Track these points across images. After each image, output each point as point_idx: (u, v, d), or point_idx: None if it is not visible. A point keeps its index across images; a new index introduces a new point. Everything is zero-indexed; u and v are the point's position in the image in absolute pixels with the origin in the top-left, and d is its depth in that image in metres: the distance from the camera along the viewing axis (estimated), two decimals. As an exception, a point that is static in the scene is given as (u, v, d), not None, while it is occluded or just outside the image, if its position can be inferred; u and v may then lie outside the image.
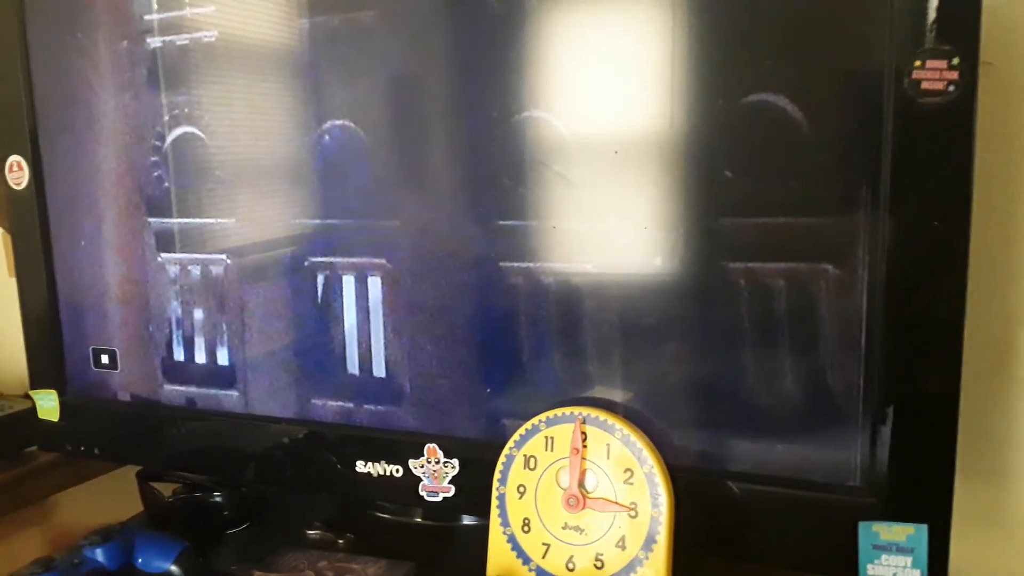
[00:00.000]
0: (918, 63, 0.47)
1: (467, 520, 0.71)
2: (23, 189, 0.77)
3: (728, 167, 0.53)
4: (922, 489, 0.51)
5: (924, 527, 0.51)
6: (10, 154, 0.76)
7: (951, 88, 0.47)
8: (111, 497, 0.87)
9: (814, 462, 0.54)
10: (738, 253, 0.54)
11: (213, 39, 0.67)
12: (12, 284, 0.80)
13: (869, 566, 0.52)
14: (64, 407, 0.79)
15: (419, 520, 0.73)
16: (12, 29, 0.75)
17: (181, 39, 0.69)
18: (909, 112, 0.48)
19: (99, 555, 0.62)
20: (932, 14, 0.47)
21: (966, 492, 0.52)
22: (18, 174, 0.77)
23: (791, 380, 0.54)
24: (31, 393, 0.81)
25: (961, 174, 0.48)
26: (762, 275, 0.53)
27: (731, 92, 0.52)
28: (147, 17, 0.70)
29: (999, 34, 0.62)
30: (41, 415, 0.80)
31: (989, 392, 0.66)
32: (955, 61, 0.47)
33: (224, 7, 0.66)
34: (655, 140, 0.55)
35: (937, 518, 0.51)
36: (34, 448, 0.91)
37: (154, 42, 0.70)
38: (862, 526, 0.52)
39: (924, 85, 0.48)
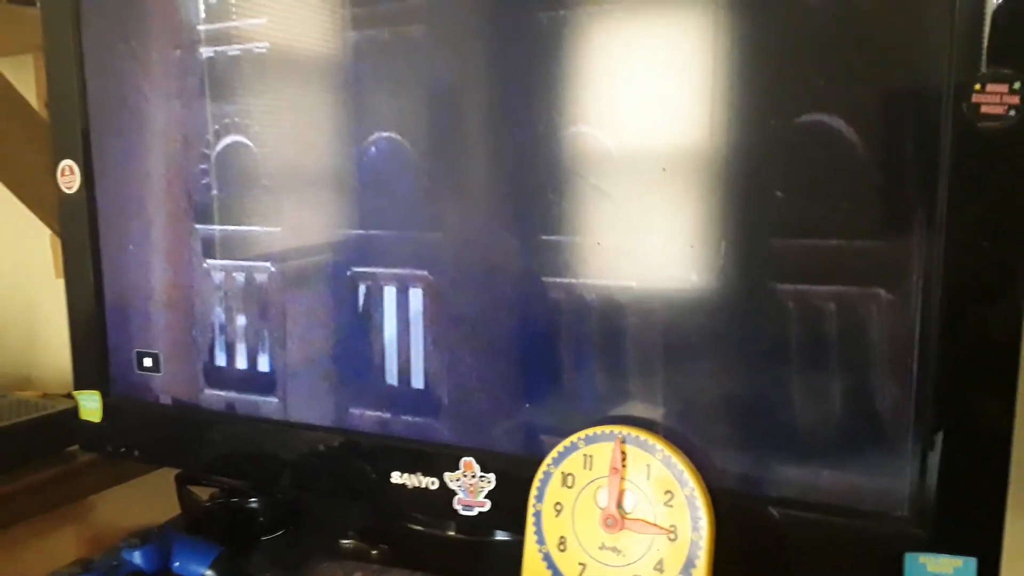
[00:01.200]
0: (978, 86, 0.46)
1: (501, 536, 0.70)
2: (74, 193, 0.78)
3: (779, 187, 0.52)
4: (972, 521, 0.49)
5: (973, 560, 0.49)
6: (63, 158, 0.78)
7: (1012, 112, 0.46)
8: (150, 498, 0.88)
9: (861, 490, 0.53)
10: (787, 274, 0.53)
11: (264, 50, 0.68)
12: (59, 285, 0.81)
13: (915, 599, 0.51)
14: (106, 408, 0.80)
15: (453, 534, 0.72)
16: (68, 35, 0.76)
17: (232, 50, 0.70)
18: (967, 136, 0.47)
19: (137, 557, 0.63)
20: (993, 36, 0.46)
21: (1017, 524, 0.50)
22: (70, 178, 0.78)
23: (839, 405, 0.53)
24: (75, 394, 0.82)
25: (1020, 199, 0.47)
26: (812, 297, 0.53)
27: (784, 111, 0.52)
28: (200, 27, 0.71)
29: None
30: (83, 415, 0.81)
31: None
32: (1016, 85, 0.46)
33: (275, 19, 0.67)
34: (704, 158, 0.54)
35: (987, 551, 0.49)
36: (75, 448, 0.92)
37: (206, 52, 0.71)
38: (908, 557, 0.51)
39: (984, 109, 0.47)
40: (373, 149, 0.65)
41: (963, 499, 0.49)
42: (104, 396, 0.80)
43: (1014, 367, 0.48)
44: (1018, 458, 0.48)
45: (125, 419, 0.80)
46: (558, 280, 0.60)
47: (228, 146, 0.71)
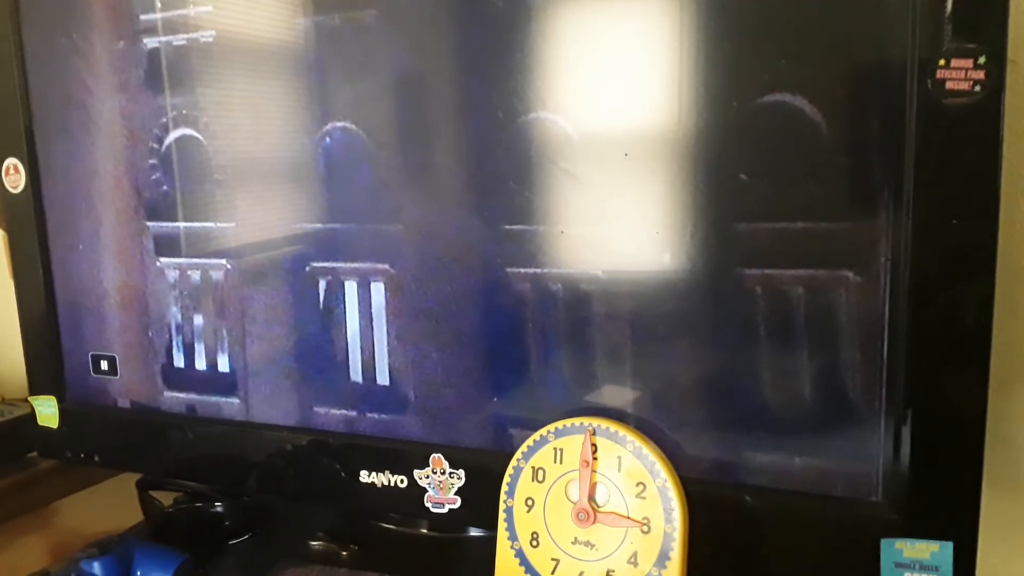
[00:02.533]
0: (942, 62, 0.45)
1: (473, 532, 0.69)
2: (20, 192, 0.75)
3: (743, 170, 0.51)
4: (947, 505, 0.49)
5: (949, 544, 0.49)
6: (6, 157, 0.75)
7: (977, 88, 0.45)
8: (112, 504, 0.85)
9: (834, 476, 0.52)
10: (754, 259, 0.52)
11: (211, 39, 0.66)
12: (12, 286, 0.78)
13: (891, 584, 0.50)
14: (63, 413, 0.78)
15: (424, 531, 0.71)
16: (7, 30, 0.73)
17: (178, 39, 0.67)
18: (933, 113, 0.46)
19: (96, 568, 0.61)
20: (957, 10, 0.45)
21: (990, 506, 0.50)
22: (14, 177, 0.75)
23: (810, 391, 0.52)
24: (30, 399, 0.79)
25: (987, 177, 0.46)
26: (779, 282, 0.51)
27: (746, 92, 0.50)
28: (143, 17, 0.68)
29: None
30: (40, 421, 0.79)
31: (1013, 401, 0.63)
32: (981, 60, 0.45)
33: (222, 6, 0.65)
34: (667, 142, 0.53)
35: (963, 535, 0.49)
36: (35, 454, 0.90)
37: (151, 42, 0.68)
38: (884, 543, 0.50)
39: (949, 85, 0.45)
40: (328, 140, 0.63)
41: (937, 483, 0.49)
42: (60, 401, 0.78)
43: (985, 347, 0.47)
44: (991, 440, 0.48)
45: (83, 424, 0.77)
46: (523, 270, 0.58)
47: (177, 140, 0.68)
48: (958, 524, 0.49)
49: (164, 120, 0.69)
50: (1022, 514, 0.65)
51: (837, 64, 0.49)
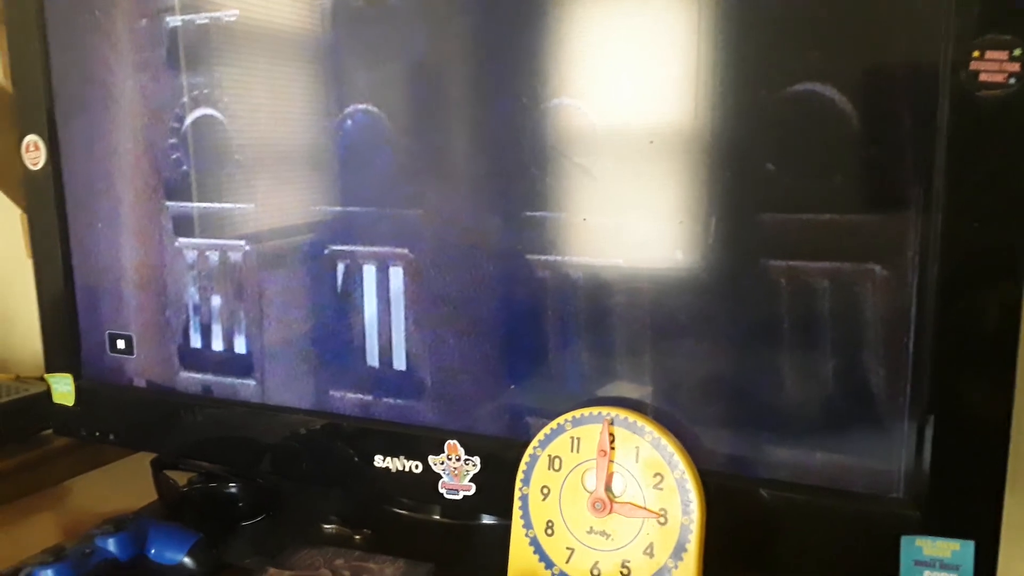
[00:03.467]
0: (976, 53, 0.45)
1: (487, 519, 0.69)
2: (39, 169, 0.75)
3: (770, 160, 0.50)
4: (969, 503, 0.48)
5: (971, 543, 0.48)
6: (27, 134, 0.75)
7: (1012, 80, 0.44)
8: (126, 483, 0.85)
9: (855, 472, 0.51)
10: (779, 250, 0.51)
11: (234, 19, 0.65)
12: (30, 265, 0.78)
13: (910, 582, 0.50)
14: (79, 391, 0.78)
15: (437, 518, 0.71)
16: (31, 7, 0.73)
17: (201, 18, 0.67)
18: (966, 105, 0.45)
19: (111, 545, 0.61)
20: (993, 1, 0.44)
21: (1013, 506, 0.49)
22: (35, 154, 0.75)
23: (832, 385, 0.51)
24: (46, 376, 0.80)
25: (1020, 172, 0.45)
26: (804, 274, 0.51)
27: (775, 81, 0.50)
28: (167, -5, 0.68)
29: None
30: (56, 399, 0.79)
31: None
32: (1017, 52, 0.44)
33: (246, -15, 0.64)
34: (693, 130, 0.52)
35: (985, 534, 0.48)
36: (49, 431, 0.90)
37: (173, 21, 0.68)
38: (904, 540, 0.50)
39: (983, 77, 0.45)
40: (349, 122, 0.62)
41: (960, 481, 0.48)
42: (76, 379, 0.78)
43: (1013, 345, 0.46)
44: (1016, 439, 0.47)
45: (99, 402, 0.78)
46: (543, 258, 0.58)
47: (198, 120, 0.68)
48: (980, 523, 0.48)
49: (185, 100, 0.68)
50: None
51: (869, 54, 0.48)
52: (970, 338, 0.47)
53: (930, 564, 0.49)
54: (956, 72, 0.45)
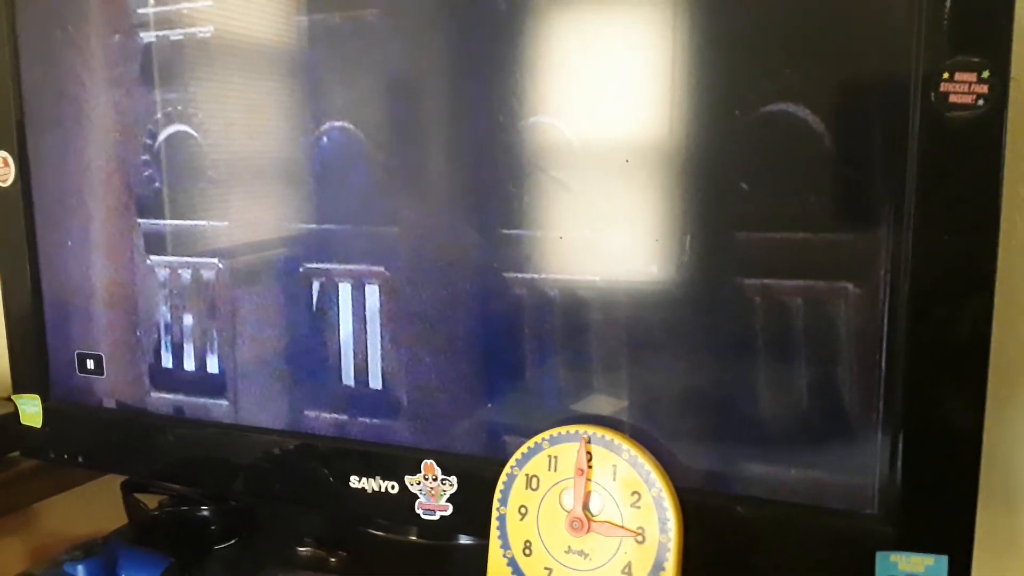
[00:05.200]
0: (946, 75, 0.45)
1: (464, 540, 0.68)
2: (8, 186, 0.74)
3: (744, 179, 0.51)
4: (943, 518, 0.49)
5: (944, 558, 0.49)
6: (-4, 150, 0.74)
7: (980, 102, 0.45)
8: (96, 506, 0.84)
9: (830, 488, 0.52)
10: (754, 269, 0.52)
11: (208, 35, 0.65)
12: (-3, 282, 0.77)
13: (885, 597, 0.50)
14: (47, 413, 0.77)
15: (414, 539, 0.70)
16: (0, 21, 0.72)
17: (175, 34, 0.66)
18: (936, 126, 0.46)
19: (80, 572, 0.60)
20: (962, 24, 0.45)
21: (985, 521, 0.50)
22: (4, 171, 0.74)
23: (806, 402, 0.52)
24: (14, 398, 0.78)
25: (989, 192, 0.46)
26: (778, 292, 0.51)
27: (749, 101, 0.50)
28: (140, 11, 0.67)
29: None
30: (24, 420, 0.78)
31: (1009, 416, 0.64)
32: (985, 74, 0.45)
33: (221, 1, 0.64)
34: (668, 149, 0.53)
35: (958, 549, 0.48)
36: (16, 454, 0.88)
37: (147, 37, 0.67)
38: (879, 556, 0.50)
39: (952, 98, 0.45)
40: (325, 139, 0.62)
41: (933, 496, 0.49)
42: (44, 400, 0.77)
43: (983, 362, 0.47)
44: (988, 454, 0.48)
45: (67, 424, 0.76)
46: (520, 275, 0.58)
47: (171, 136, 0.68)
48: (953, 538, 0.49)
49: (158, 116, 0.68)
50: (1017, 529, 0.65)
51: (841, 75, 0.49)
52: (941, 354, 0.48)
53: (905, 579, 0.50)
54: (926, 93, 0.46)
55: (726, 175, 0.52)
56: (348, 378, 0.64)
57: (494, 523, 0.56)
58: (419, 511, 0.62)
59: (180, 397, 0.71)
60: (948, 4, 0.45)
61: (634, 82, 0.53)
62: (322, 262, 0.64)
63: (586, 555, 0.54)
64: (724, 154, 0.51)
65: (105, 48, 0.69)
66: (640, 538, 0.52)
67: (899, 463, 0.49)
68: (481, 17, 0.56)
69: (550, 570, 0.55)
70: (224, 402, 0.69)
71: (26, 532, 0.82)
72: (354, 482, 0.64)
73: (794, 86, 0.49)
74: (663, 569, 0.52)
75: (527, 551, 0.55)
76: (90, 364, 0.75)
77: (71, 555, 0.61)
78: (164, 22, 0.66)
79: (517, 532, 0.56)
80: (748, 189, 0.51)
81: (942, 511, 0.49)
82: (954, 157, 0.46)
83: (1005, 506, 0.65)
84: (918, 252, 0.47)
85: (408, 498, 0.62)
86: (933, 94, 0.46)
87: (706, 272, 0.53)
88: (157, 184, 0.69)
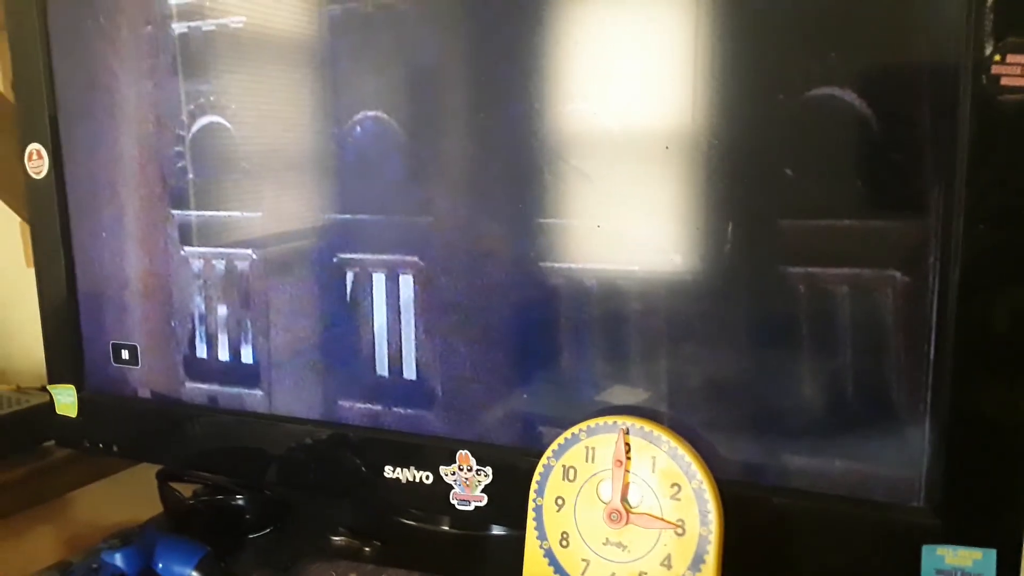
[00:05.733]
0: (998, 57, 0.44)
1: (498, 531, 0.68)
2: (42, 178, 0.74)
3: (789, 165, 0.50)
4: (991, 512, 0.48)
5: (993, 552, 0.48)
6: (30, 142, 0.74)
7: (1035, 84, 0.44)
8: (130, 495, 0.85)
9: (875, 480, 0.51)
10: (798, 257, 0.51)
11: (241, 25, 0.65)
12: (31, 274, 0.78)
13: (931, 591, 0.49)
14: (82, 403, 0.77)
15: (448, 528, 0.70)
16: (32, 13, 0.72)
17: (207, 25, 0.66)
18: (987, 109, 0.45)
19: (118, 560, 0.60)
20: (1014, 4, 0.44)
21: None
22: (37, 163, 0.74)
23: (852, 393, 0.51)
24: (49, 388, 0.79)
25: (1043, 177, 0.44)
26: (823, 281, 0.50)
27: (794, 85, 0.49)
28: (172, 1, 0.67)
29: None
30: (59, 410, 0.78)
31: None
32: (1040, 55, 0.43)
33: (253, -9, 0.64)
34: (710, 135, 0.52)
35: (1007, 542, 0.47)
36: (51, 443, 0.89)
37: (179, 28, 0.67)
38: (926, 549, 0.49)
39: (1004, 81, 0.44)
40: (358, 129, 0.62)
41: (981, 489, 0.48)
42: (79, 390, 0.77)
43: (1035, 351, 0.46)
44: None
45: (102, 414, 0.77)
46: (556, 265, 0.57)
47: (204, 127, 0.67)
48: (1002, 532, 0.47)
49: (191, 107, 0.68)
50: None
51: (889, 58, 0.48)
52: (991, 345, 0.46)
53: (951, 573, 0.49)
54: (977, 76, 0.45)
55: (770, 161, 0.50)
56: (382, 368, 0.64)
57: (530, 514, 0.56)
58: (454, 501, 0.61)
59: (214, 387, 0.71)
60: (1000, -16, 0.44)
61: (674, 66, 0.52)
62: (356, 252, 0.64)
63: (624, 547, 0.53)
64: (768, 140, 0.50)
65: (137, 39, 0.69)
66: (680, 530, 0.52)
67: (946, 455, 0.48)
68: (513, 1, 0.55)
69: (587, 562, 0.54)
70: (258, 392, 0.69)
71: (62, 521, 0.83)
72: (388, 472, 0.63)
73: (840, 69, 0.48)
74: (704, 562, 0.51)
75: (564, 542, 0.55)
76: (125, 354, 0.75)
77: (108, 543, 0.61)
78: (196, 13, 0.66)
79: (554, 523, 0.55)
80: (792, 175, 0.50)
81: (990, 504, 0.47)
82: (1006, 141, 0.45)
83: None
84: (968, 240, 0.46)
85: (443, 488, 0.62)
86: (984, 77, 0.44)
87: (749, 261, 0.52)
88: (190, 175, 0.69)
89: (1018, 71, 0.44)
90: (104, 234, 0.74)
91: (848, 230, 0.49)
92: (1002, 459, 0.47)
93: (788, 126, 0.50)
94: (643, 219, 0.54)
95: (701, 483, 0.51)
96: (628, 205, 0.54)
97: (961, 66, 0.45)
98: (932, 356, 0.48)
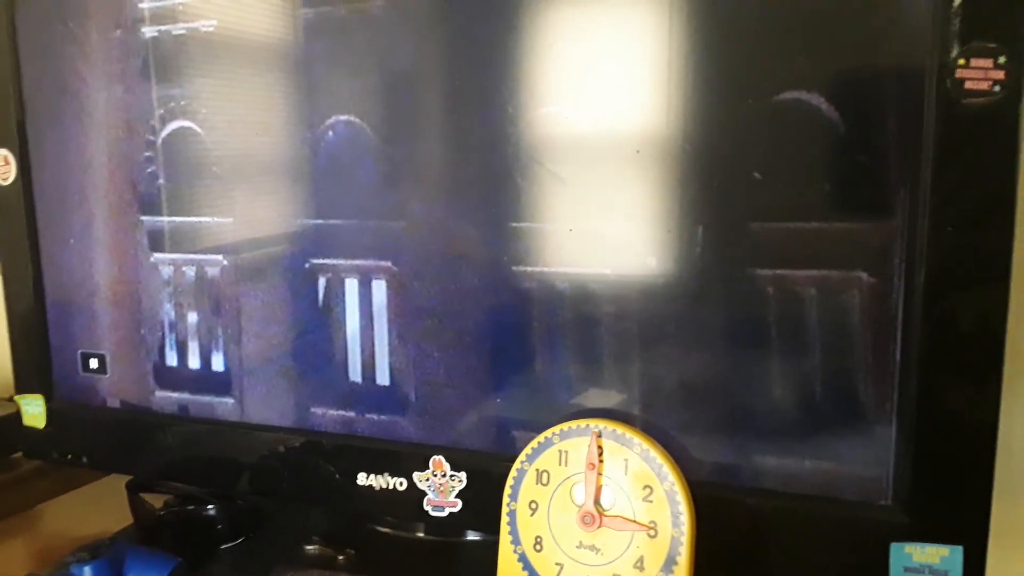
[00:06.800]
0: (962, 61, 0.45)
1: (473, 536, 0.68)
2: (10, 184, 0.73)
3: (758, 169, 0.51)
4: (958, 509, 0.48)
5: (959, 548, 0.48)
6: (-3, 148, 0.73)
7: (996, 88, 0.45)
8: (100, 506, 0.83)
9: (844, 479, 0.51)
10: (767, 259, 0.51)
11: (211, 29, 0.64)
12: (-2, 282, 0.77)
13: (900, 589, 0.50)
14: (51, 413, 0.76)
15: (422, 535, 0.70)
16: (0, 16, 0.71)
17: (177, 28, 0.65)
18: (951, 113, 0.46)
19: (87, 573, 0.59)
20: (978, 9, 0.45)
21: (1000, 511, 0.49)
22: (4, 169, 0.73)
23: (820, 393, 0.51)
24: (16, 398, 0.77)
25: (1005, 179, 0.45)
26: (792, 282, 0.51)
27: (762, 89, 0.50)
28: (142, 5, 0.66)
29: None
30: (26, 421, 0.77)
31: (1019, 405, 0.63)
32: (1001, 60, 0.44)
33: (223, -4, 0.64)
34: (680, 139, 0.52)
35: (973, 539, 0.48)
36: (19, 454, 0.87)
37: (149, 32, 0.67)
38: (894, 547, 0.49)
39: (968, 84, 0.45)
40: (331, 133, 0.62)
41: (948, 487, 0.48)
42: (47, 400, 0.76)
43: (999, 352, 0.47)
44: (1003, 444, 0.47)
45: (71, 424, 0.76)
46: (529, 269, 0.57)
47: (174, 132, 0.67)
48: (968, 529, 0.48)
49: (161, 112, 0.67)
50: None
51: (855, 62, 0.48)
52: (957, 344, 0.47)
53: (919, 570, 0.49)
54: (942, 80, 0.45)
55: (739, 165, 0.51)
56: (355, 374, 0.64)
57: (504, 519, 0.56)
58: (428, 508, 0.61)
59: (185, 396, 0.71)
60: (963, -11, 0.45)
61: (645, 70, 0.53)
62: (328, 258, 0.63)
63: (598, 550, 0.53)
64: (737, 143, 0.51)
65: (106, 44, 0.69)
66: (652, 532, 0.52)
67: (913, 454, 0.49)
68: (488, 5, 0.56)
69: (561, 565, 0.54)
70: (230, 400, 0.69)
71: (30, 534, 0.81)
72: (361, 479, 0.63)
73: (808, 73, 0.49)
74: (676, 563, 0.51)
75: (538, 547, 0.55)
76: (93, 363, 0.74)
77: (77, 556, 0.60)
78: (166, 17, 0.66)
79: (528, 527, 0.55)
80: (761, 179, 0.51)
81: (957, 502, 0.48)
82: (970, 144, 0.46)
83: (1021, 496, 0.64)
84: (933, 241, 0.47)
85: (416, 495, 0.61)
86: (949, 80, 0.45)
87: (719, 263, 0.52)
88: (160, 181, 0.68)
89: (981, 75, 0.45)
90: (72, 241, 0.73)
91: (816, 232, 0.50)
92: (968, 457, 0.48)
93: (757, 130, 0.50)
94: (615, 222, 0.55)
95: (673, 485, 0.51)
96: (600, 208, 0.55)
97: (926, 70, 0.46)
98: (899, 356, 0.49)
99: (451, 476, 0.60)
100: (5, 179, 0.73)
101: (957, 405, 0.48)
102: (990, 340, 0.47)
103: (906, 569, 0.49)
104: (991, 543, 0.48)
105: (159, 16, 0.66)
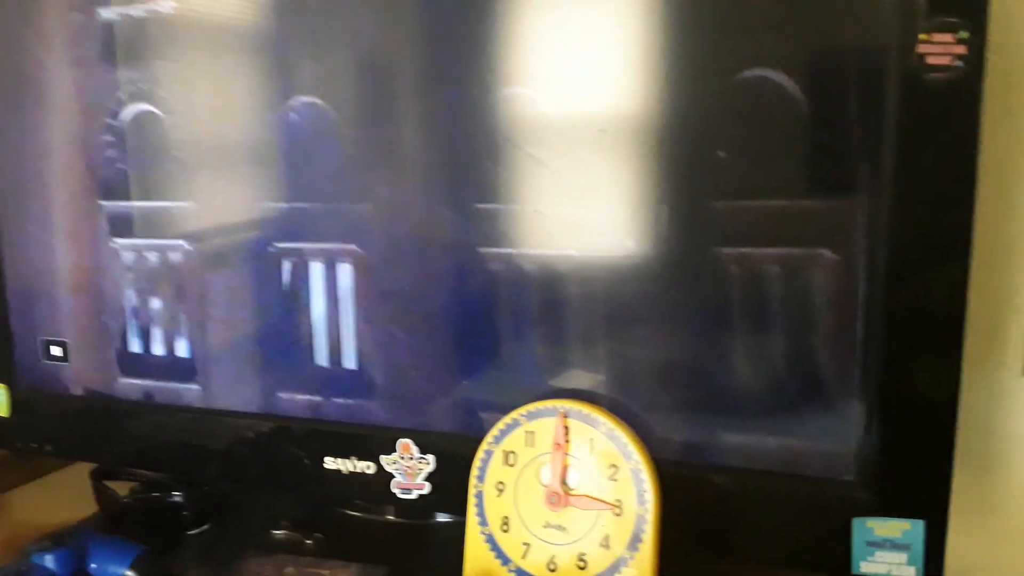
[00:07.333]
0: (923, 36, 0.45)
1: (442, 518, 0.68)
2: (-34, 170, 0.72)
3: (721, 147, 0.50)
4: (919, 484, 0.49)
5: (920, 523, 0.49)
6: (-49, 132, 0.72)
7: (958, 63, 0.45)
8: (65, 495, 0.82)
9: (807, 455, 0.52)
10: (731, 237, 0.51)
11: (172, 10, 0.63)
12: (-44, 271, 0.75)
13: (863, 563, 0.50)
14: (13, 401, 0.75)
15: (391, 518, 0.69)
16: (-48, -1, 0.70)
17: (137, 10, 0.64)
18: (913, 88, 0.46)
19: (48, 562, 0.58)
20: (938, -16, 0.45)
21: (961, 484, 0.50)
22: (-39, 154, 0.72)
23: (784, 370, 0.52)
24: (-23, 387, 0.76)
25: (966, 155, 0.45)
26: (756, 260, 0.51)
27: (725, 67, 0.50)
28: (99, -14, 0.65)
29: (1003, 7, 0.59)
30: (-12, 410, 0.76)
31: (979, 382, 0.64)
32: (962, 34, 0.44)
33: (183, -25, 0.62)
34: (644, 118, 0.52)
35: (934, 513, 0.49)
36: (-18, 444, 0.86)
37: (107, 14, 0.65)
38: (856, 522, 0.50)
39: (929, 60, 0.45)
40: (293, 115, 0.61)
41: (910, 461, 0.49)
42: (10, 388, 0.75)
43: (959, 328, 0.47)
44: (963, 419, 0.48)
45: (34, 412, 0.74)
46: (495, 250, 0.57)
47: (134, 116, 0.66)
48: (930, 503, 0.49)
49: (120, 95, 0.66)
50: (990, 493, 0.66)
51: (818, 38, 0.48)
52: (918, 320, 0.48)
53: (881, 544, 0.50)
54: (904, 55, 0.45)
55: (703, 143, 0.51)
56: (322, 359, 0.63)
57: (471, 500, 0.56)
58: (396, 490, 0.61)
59: (149, 382, 0.70)
60: (924, -36, 0.45)
61: (608, 50, 0.52)
62: (293, 241, 0.63)
63: (564, 529, 0.53)
64: (701, 122, 0.51)
65: (64, 26, 0.67)
66: (618, 511, 0.52)
67: (876, 430, 0.49)
68: (451, -14, 0.55)
69: (528, 545, 0.54)
70: (195, 386, 0.68)
71: (-6, 524, 0.80)
72: (329, 463, 0.63)
73: (771, 50, 0.49)
74: (641, 541, 0.51)
75: (505, 527, 0.55)
76: (56, 351, 0.73)
77: (39, 545, 0.59)
78: (125, -3, 0.64)
79: (495, 508, 0.55)
80: (725, 157, 0.51)
81: (918, 476, 0.49)
82: (932, 120, 0.46)
83: (981, 469, 0.65)
84: (895, 217, 0.47)
85: (384, 478, 0.61)
86: (910, 56, 0.45)
87: (683, 242, 0.52)
88: (121, 165, 0.67)
89: (943, 50, 0.45)
90: (32, 227, 0.71)
91: (780, 210, 0.50)
92: (929, 433, 0.48)
93: (721, 108, 0.50)
94: (579, 203, 0.54)
95: (638, 463, 0.52)
96: (565, 189, 0.55)
97: (889, 46, 0.46)
98: (861, 332, 0.49)
99: (419, 459, 0.60)
100: (-39, 164, 0.72)
101: (919, 381, 0.48)
102: (951, 316, 0.47)
103: (868, 543, 0.50)
104: (952, 518, 0.49)
105: (117, -3, 0.65)
